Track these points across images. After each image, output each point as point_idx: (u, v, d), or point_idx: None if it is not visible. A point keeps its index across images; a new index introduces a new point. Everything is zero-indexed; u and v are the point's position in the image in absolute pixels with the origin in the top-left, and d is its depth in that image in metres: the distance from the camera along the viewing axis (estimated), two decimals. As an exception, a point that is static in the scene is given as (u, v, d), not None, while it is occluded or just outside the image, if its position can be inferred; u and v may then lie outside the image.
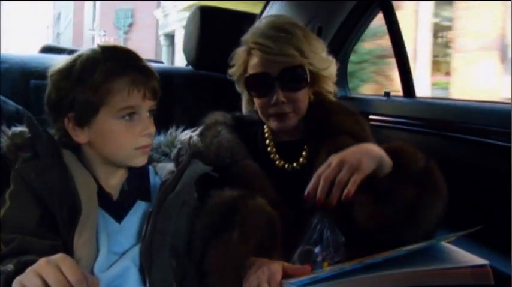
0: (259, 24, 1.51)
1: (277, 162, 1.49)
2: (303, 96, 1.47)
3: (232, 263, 1.15)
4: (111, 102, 1.18)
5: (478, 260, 1.03)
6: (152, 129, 1.24)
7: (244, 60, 1.50)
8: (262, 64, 1.43)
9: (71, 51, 1.89)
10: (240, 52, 1.52)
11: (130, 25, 27.01)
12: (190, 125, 1.49)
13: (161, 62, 2.63)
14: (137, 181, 1.29)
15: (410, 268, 1.03)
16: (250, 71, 1.47)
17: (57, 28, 43.64)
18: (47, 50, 1.98)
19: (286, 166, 1.49)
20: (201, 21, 1.87)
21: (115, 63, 1.19)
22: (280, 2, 2.31)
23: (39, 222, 1.12)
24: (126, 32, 26.34)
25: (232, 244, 1.17)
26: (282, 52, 1.40)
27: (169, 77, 1.91)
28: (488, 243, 1.09)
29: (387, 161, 1.26)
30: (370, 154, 1.24)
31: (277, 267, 1.06)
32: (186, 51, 2.00)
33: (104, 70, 1.17)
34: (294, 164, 1.49)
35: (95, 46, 1.26)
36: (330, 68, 1.52)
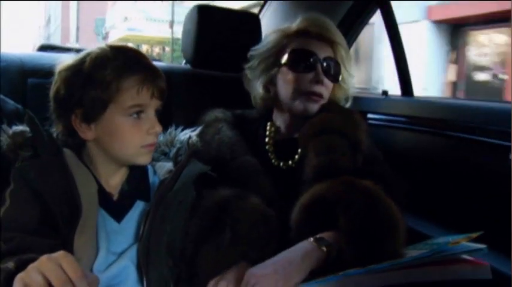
0: (307, 15, 1.57)
1: (273, 160, 1.50)
2: (330, 90, 1.52)
3: (223, 265, 1.17)
4: (120, 99, 1.19)
5: (476, 245, 1.05)
6: (159, 128, 1.25)
7: (281, 41, 1.54)
8: (310, 44, 1.50)
9: (69, 50, 1.90)
10: (275, 35, 1.56)
11: (107, 33, 28.70)
12: (188, 123, 1.49)
13: (159, 60, 2.63)
14: (137, 181, 1.30)
15: (409, 259, 1.04)
16: (294, 47, 1.51)
17: (48, 29, 44.75)
18: (45, 48, 1.97)
19: (282, 164, 1.50)
20: (199, 19, 1.87)
21: (125, 62, 1.21)
22: (278, 1, 2.31)
23: (39, 221, 1.12)
24: (104, 38, 27.72)
25: (223, 246, 1.18)
26: (329, 39, 1.51)
27: (168, 75, 1.90)
28: (489, 243, 1.09)
29: (316, 257, 1.15)
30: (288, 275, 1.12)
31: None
32: (183, 49, 2.00)
33: (114, 68, 1.19)
34: (290, 162, 1.49)
35: (103, 45, 1.27)
36: (350, 84, 1.59)
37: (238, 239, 1.18)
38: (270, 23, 2.21)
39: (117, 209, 1.23)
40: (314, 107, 1.48)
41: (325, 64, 1.48)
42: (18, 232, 1.08)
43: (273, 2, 2.31)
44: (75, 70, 1.21)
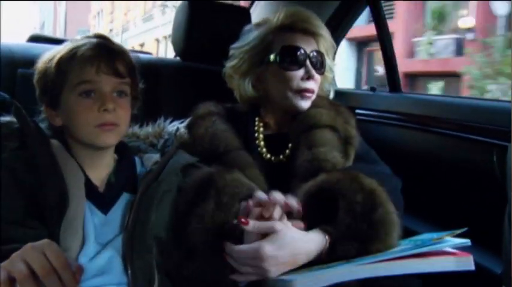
0: (289, 9, 1.56)
1: (264, 155, 1.50)
2: (319, 82, 1.53)
3: (209, 235, 1.17)
4: (69, 80, 1.19)
5: (459, 241, 1.07)
6: (110, 105, 1.19)
7: (266, 38, 1.52)
8: (296, 40, 1.50)
9: (58, 41, 1.89)
10: (261, 31, 1.54)
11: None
12: (177, 115, 1.50)
13: (149, 53, 2.62)
14: (124, 173, 1.29)
15: (394, 254, 1.06)
16: (283, 44, 1.50)
17: (43, 32, 46.74)
18: (35, 39, 1.96)
19: (273, 158, 1.50)
20: (190, 12, 1.87)
21: (79, 45, 1.21)
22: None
23: (24, 212, 1.11)
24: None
25: (207, 216, 1.18)
26: (314, 33, 1.51)
27: (158, 67, 1.91)
28: (477, 240, 1.11)
29: (320, 245, 1.16)
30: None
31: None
32: (174, 42, 2.00)
33: (68, 50, 1.20)
34: (280, 157, 1.49)
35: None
36: (333, 69, 1.60)
37: (221, 209, 1.19)
38: (260, 18, 2.21)
39: (103, 200, 1.23)
40: (306, 103, 1.49)
41: (313, 58, 1.48)
42: (3, 223, 1.07)
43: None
44: (47, 60, 1.23)
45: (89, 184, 1.21)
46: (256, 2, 2.33)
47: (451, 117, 1.74)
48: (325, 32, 1.53)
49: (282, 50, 1.49)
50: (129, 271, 1.15)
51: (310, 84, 1.47)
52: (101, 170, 1.27)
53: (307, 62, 1.47)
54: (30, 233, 1.08)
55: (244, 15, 1.98)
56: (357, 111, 2.04)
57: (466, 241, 1.07)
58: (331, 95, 1.64)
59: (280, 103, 1.52)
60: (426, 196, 1.76)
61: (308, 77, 1.47)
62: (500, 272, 1.42)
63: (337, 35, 2.31)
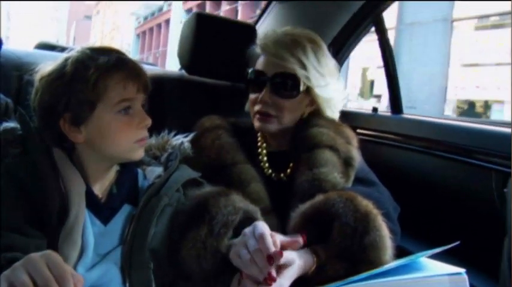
0: (269, 30, 1.56)
1: (265, 170, 1.51)
2: (291, 106, 1.49)
3: (201, 261, 1.16)
4: (108, 97, 1.19)
5: (455, 269, 1.06)
6: (148, 121, 1.25)
7: (256, 57, 1.55)
8: (263, 63, 1.50)
9: (65, 49, 1.91)
10: (253, 51, 1.57)
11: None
12: (181, 128, 1.50)
13: (154, 65, 2.63)
14: (126, 185, 1.30)
15: (390, 278, 1.05)
16: (254, 67, 1.53)
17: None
18: (42, 46, 1.98)
19: (274, 175, 1.50)
20: (197, 26, 1.88)
21: (107, 60, 1.20)
22: (275, 12, 2.33)
23: (25, 220, 1.11)
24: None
25: (199, 242, 1.17)
26: (278, 54, 1.45)
27: (162, 80, 1.92)
28: (476, 266, 1.11)
29: (308, 265, 1.16)
30: None
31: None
32: (179, 55, 2.01)
33: (97, 67, 1.18)
34: (281, 175, 1.50)
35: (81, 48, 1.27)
36: (331, 91, 1.52)
37: (213, 236, 1.18)
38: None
39: (104, 211, 1.23)
40: (266, 126, 1.49)
41: (274, 82, 1.46)
42: (3, 230, 1.07)
43: (270, 12, 2.33)
44: (57, 75, 1.20)
45: (90, 194, 1.21)
46: (263, 18, 2.36)
47: (452, 140, 1.74)
48: (309, 47, 1.48)
49: (248, 73, 1.53)
50: (127, 284, 1.15)
51: (261, 108, 1.48)
52: (103, 180, 1.27)
53: (267, 85, 1.47)
54: (31, 242, 1.08)
55: (249, 31, 1.99)
56: (358, 131, 2.05)
57: (461, 271, 1.07)
58: (336, 117, 1.60)
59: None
60: (424, 218, 1.76)
61: (260, 101, 1.48)
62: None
63: (343, 53, 2.33)
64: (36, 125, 1.24)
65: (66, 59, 1.22)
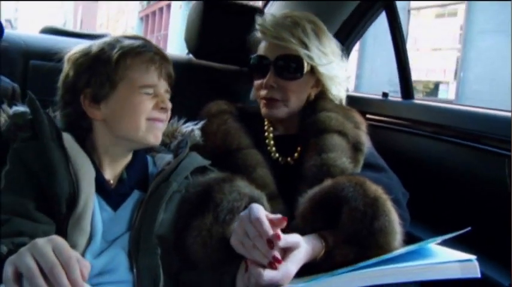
0: (267, 14, 1.54)
1: (272, 154, 1.50)
2: (296, 88, 1.48)
3: (207, 249, 1.15)
4: (130, 78, 1.22)
5: (465, 256, 1.05)
6: (168, 104, 1.27)
7: (257, 42, 1.54)
8: (265, 47, 1.48)
9: (70, 34, 1.89)
10: (254, 34, 1.55)
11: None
12: (188, 113, 1.49)
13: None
14: (136, 171, 1.30)
15: (402, 264, 1.04)
16: (257, 52, 1.51)
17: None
18: (48, 31, 1.96)
19: (280, 159, 1.49)
20: (204, 10, 1.87)
21: (133, 43, 1.24)
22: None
23: (34, 205, 1.11)
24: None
25: (204, 230, 1.17)
26: (279, 36, 1.43)
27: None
28: (487, 253, 1.10)
29: (317, 251, 1.16)
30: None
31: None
32: (187, 39, 1.99)
33: (121, 47, 1.23)
34: (288, 159, 1.49)
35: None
36: (334, 69, 1.51)
37: (219, 224, 1.17)
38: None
39: (114, 197, 1.23)
40: (273, 111, 1.48)
41: (278, 65, 1.45)
42: (12, 214, 1.07)
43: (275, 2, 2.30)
44: (83, 53, 1.24)
45: (100, 179, 1.21)
46: (271, 2, 2.32)
47: (463, 126, 1.72)
48: (309, 27, 1.47)
49: (250, 60, 1.52)
50: (135, 270, 1.15)
51: (267, 93, 1.47)
52: (115, 166, 1.28)
53: (270, 69, 1.46)
54: (39, 227, 1.08)
55: (257, 14, 1.97)
56: (368, 116, 2.03)
57: (471, 258, 1.05)
58: (343, 101, 1.60)
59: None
60: (434, 204, 1.75)
61: (265, 85, 1.47)
62: (509, 284, 1.41)
63: (353, 37, 2.30)
64: (47, 110, 1.25)
65: (95, 42, 1.26)
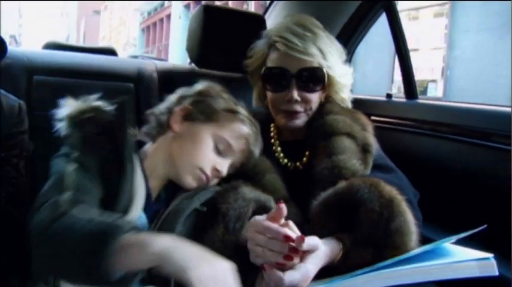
0: (284, 20, 1.52)
1: (280, 160, 1.49)
2: (317, 98, 1.48)
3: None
4: (219, 127, 1.33)
5: (482, 254, 1.05)
6: (222, 174, 1.32)
7: (264, 53, 1.51)
8: (283, 59, 1.44)
9: (73, 48, 1.90)
10: (260, 44, 1.53)
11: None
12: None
13: (164, 60, 2.62)
14: (172, 189, 1.33)
15: (420, 264, 1.04)
16: (270, 64, 1.48)
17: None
18: (51, 46, 1.98)
19: (289, 164, 1.49)
20: (205, 19, 1.87)
21: (236, 104, 1.40)
22: (283, 1, 2.31)
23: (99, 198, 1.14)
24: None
25: (217, 240, 1.18)
26: (306, 50, 1.41)
27: (172, 74, 1.91)
28: (491, 247, 1.09)
29: (335, 253, 1.16)
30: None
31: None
32: (188, 48, 2.00)
33: (226, 99, 1.39)
34: (297, 163, 1.49)
35: None
36: (348, 76, 1.53)
37: (230, 233, 1.18)
38: (276, 23, 2.22)
39: (150, 211, 1.24)
40: (295, 122, 1.47)
41: (301, 79, 1.43)
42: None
43: (278, 2, 2.31)
44: (215, 93, 1.41)
45: (148, 200, 1.24)
46: (271, 8, 2.33)
47: (468, 124, 1.72)
48: (324, 36, 1.47)
49: (266, 70, 1.49)
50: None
51: (293, 107, 1.45)
52: (157, 181, 1.31)
53: (292, 83, 1.43)
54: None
55: (259, 22, 1.98)
56: (373, 117, 2.03)
57: (489, 256, 1.05)
58: (349, 104, 1.59)
59: (275, 119, 1.53)
60: (442, 203, 1.74)
61: (289, 100, 1.44)
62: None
63: (353, 41, 2.30)
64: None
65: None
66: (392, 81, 12.04)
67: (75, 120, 1.24)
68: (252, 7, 20.15)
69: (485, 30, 9.88)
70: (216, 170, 1.29)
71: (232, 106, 1.38)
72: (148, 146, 1.37)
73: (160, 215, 1.23)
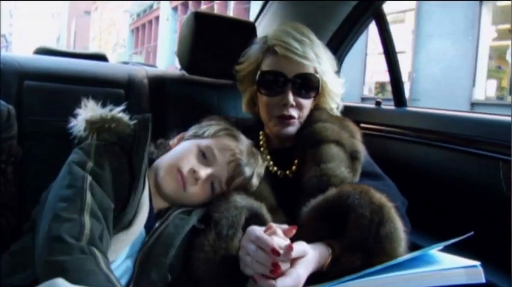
0: (280, 26, 1.53)
1: (270, 168, 1.49)
2: (310, 104, 1.49)
3: (213, 265, 1.17)
4: (206, 138, 1.37)
5: (470, 262, 1.07)
6: (201, 177, 1.29)
7: (258, 58, 1.51)
8: (280, 63, 1.45)
9: (63, 54, 1.90)
10: (254, 49, 1.53)
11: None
12: (182, 129, 1.50)
13: (154, 66, 2.62)
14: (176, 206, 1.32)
15: (408, 271, 1.06)
16: (265, 68, 1.48)
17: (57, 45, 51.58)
18: (42, 51, 1.97)
19: (279, 172, 1.49)
20: (196, 26, 1.87)
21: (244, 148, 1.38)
22: (274, 10, 2.32)
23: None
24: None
25: (208, 245, 1.19)
26: (304, 54, 1.42)
27: (163, 81, 1.91)
28: (486, 258, 1.11)
29: (324, 258, 1.18)
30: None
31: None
32: (179, 55, 2.00)
33: (241, 144, 1.38)
34: (287, 172, 1.49)
35: None
36: (340, 85, 1.55)
37: (222, 239, 1.19)
38: (267, 30, 2.23)
39: (151, 225, 1.24)
40: (287, 129, 1.47)
41: (297, 83, 1.44)
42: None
43: (270, 9, 2.31)
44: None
45: (150, 216, 1.24)
46: (262, 15, 2.34)
47: (456, 131, 1.73)
48: (319, 43, 1.49)
49: (262, 74, 1.48)
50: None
51: (288, 112, 1.45)
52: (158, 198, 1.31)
53: (288, 87, 1.43)
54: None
55: (249, 28, 1.98)
56: (362, 125, 2.04)
57: (476, 263, 1.06)
58: (338, 113, 1.61)
59: (267, 126, 1.52)
60: (431, 210, 1.75)
61: (285, 104, 1.44)
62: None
63: (345, 45, 2.32)
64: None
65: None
66: (363, 83, 12.95)
67: (95, 126, 1.24)
68: (230, 10, 20.13)
69: (447, 35, 10.74)
70: (193, 172, 1.27)
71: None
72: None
73: (155, 231, 1.22)
